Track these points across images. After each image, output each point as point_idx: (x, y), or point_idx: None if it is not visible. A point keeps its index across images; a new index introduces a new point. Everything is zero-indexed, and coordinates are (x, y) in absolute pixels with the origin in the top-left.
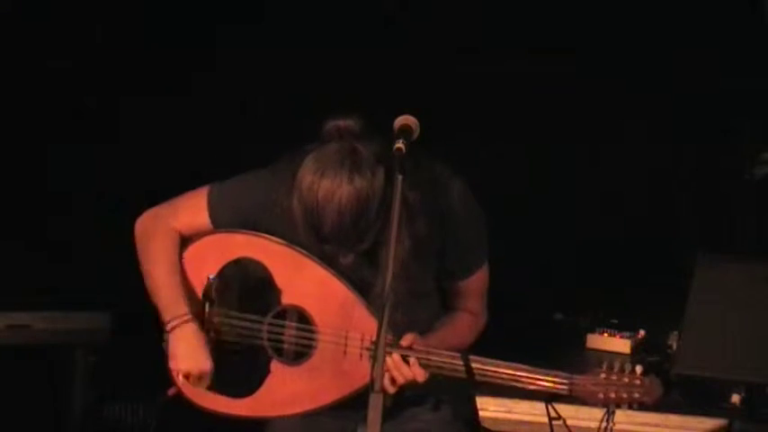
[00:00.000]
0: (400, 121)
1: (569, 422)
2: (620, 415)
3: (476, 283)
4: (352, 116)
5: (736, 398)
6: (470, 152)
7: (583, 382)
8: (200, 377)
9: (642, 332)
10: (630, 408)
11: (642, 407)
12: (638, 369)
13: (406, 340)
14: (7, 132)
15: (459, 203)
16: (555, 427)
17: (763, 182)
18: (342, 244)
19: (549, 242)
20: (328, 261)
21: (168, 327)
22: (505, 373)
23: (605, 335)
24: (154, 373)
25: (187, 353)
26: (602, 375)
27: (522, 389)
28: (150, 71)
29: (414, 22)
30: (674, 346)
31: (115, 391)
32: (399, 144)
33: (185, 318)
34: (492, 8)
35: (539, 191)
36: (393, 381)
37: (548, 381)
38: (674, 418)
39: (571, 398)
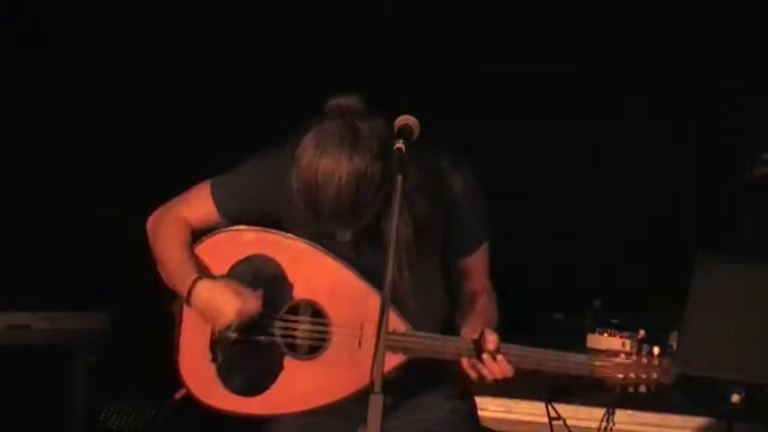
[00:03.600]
0: (400, 121)
1: (569, 422)
2: (621, 415)
3: (479, 260)
4: (352, 94)
5: (736, 398)
6: (471, 151)
7: (602, 363)
8: (242, 315)
9: (642, 332)
10: (648, 389)
11: (645, 408)
12: (656, 350)
13: (492, 342)
14: (9, 129)
15: (462, 187)
16: (555, 427)
17: (763, 182)
18: (339, 222)
19: (549, 242)
20: (326, 239)
21: (185, 298)
22: (532, 357)
23: (605, 335)
24: (154, 373)
25: (213, 308)
26: (622, 356)
27: (545, 373)
28: (159, 73)
29: (414, 22)
30: (674, 346)
31: (115, 391)
32: (399, 144)
33: (194, 280)
34: (493, 9)
35: (539, 191)
36: (482, 379)
37: (571, 362)
38: (674, 418)
39: (582, 387)
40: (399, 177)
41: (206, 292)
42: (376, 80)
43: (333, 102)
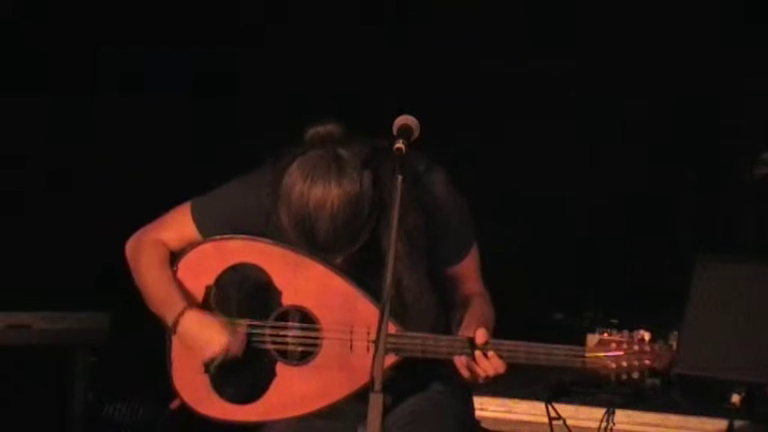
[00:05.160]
0: (400, 120)
1: (569, 422)
2: (620, 415)
3: (471, 264)
4: (330, 121)
5: (736, 398)
6: (470, 152)
7: (594, 354)
8: (225, 353)
9: (642, 332)
10: (642, 375)
11: (645, 408)
12: (647, 336)
13: (481, 336)
14: (11, 131)
15: (443, 192)
16: (555, 427)
17: (763, 182)
18: (335, 249)
19: (548, 242)
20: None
21: (172, 328)
22: (523, 351)
23: (605, 335)
24: (154, 374)
25: (200, 340)
26: (613, 346)
27: (538, 365)
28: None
29: (414, 23)
30: (674, 346)
31: (115, 391)
32: (399, 144)
33: (182, 310)
34: (492, 8)
35: (539, 191)
36: (475, 377)
37: (561, 353)
38: (674, 418)
39: (584, 374)
40: (399, 178)
41: (194, 325)
42: (374, 79)
43: (311, 131)
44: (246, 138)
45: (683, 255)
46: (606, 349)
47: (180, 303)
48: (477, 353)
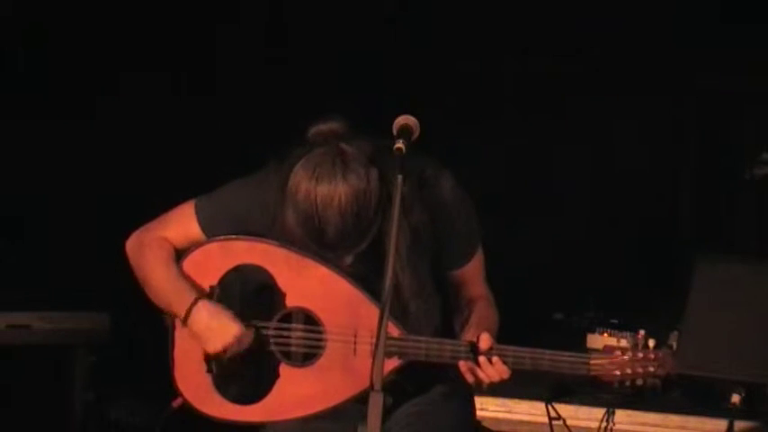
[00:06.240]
0: (400, 120)
1: (569, 422)
2: (621, 415)
3: (475, 267)
4: (332, 118)
5: (736, 398)
6: (470, 151)
7: (599, 361)
8: (236, 343)
9: (642, 332)
10: (645, 382)
11: (645, 408)
12: (651, 343)
13: (485, 341)
14: (9, 132)
15: (450, 195)
16: (555, 427)
17: (763, 182)
18: (344, 245)
19: (548, 242)
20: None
21: (182, 321)
22: (527, 357)
23: (605, 335)
24: (154, 374)
25: (211, 332)
26: (618, 353)
27: (542, 371)
28: (183, 74)
29: (413, 22)
30: (674, 346)
31: (115, 391)
32: (399, 144)
33: (192, 302)
34: (492, 8)
35: (539, 190)
36: (479, 382)
37: (566, 360)
38: (674, 418)
39: (582, 387)
40: (399, 178)
41: (205, 315)
42: (374, 80)
43: (314, 129)
44: (246, 137)
45: (683, 255)
46: (611, 356)
47: (191, 294)
48: (482, 358)
